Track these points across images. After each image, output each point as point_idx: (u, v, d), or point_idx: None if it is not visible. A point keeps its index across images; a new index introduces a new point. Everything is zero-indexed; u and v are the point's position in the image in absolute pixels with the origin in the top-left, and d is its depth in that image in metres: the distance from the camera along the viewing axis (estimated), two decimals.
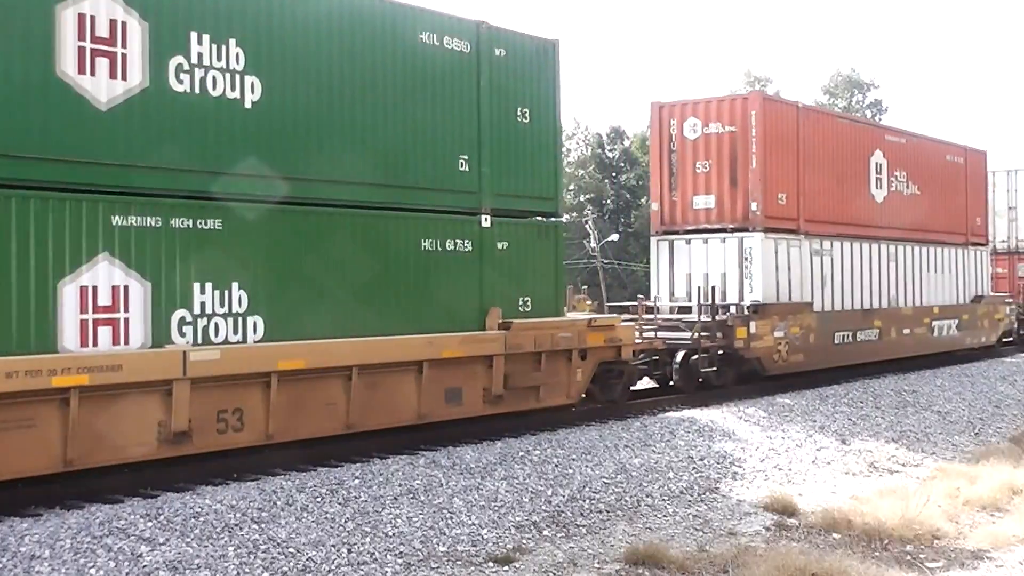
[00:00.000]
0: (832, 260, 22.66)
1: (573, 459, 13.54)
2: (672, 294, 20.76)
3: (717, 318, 19.74)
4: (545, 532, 10.83)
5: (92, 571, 8.60)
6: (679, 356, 19.23)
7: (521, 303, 15.32)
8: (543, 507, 11.53)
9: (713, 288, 19.98)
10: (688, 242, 21.27)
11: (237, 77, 11.92)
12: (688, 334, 19.34)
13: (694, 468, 13.92)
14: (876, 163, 24.63)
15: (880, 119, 67.18)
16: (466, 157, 14.62)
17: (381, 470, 12.19)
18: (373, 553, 9.61)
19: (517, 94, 15.35)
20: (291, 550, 9.43)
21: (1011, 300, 32.29)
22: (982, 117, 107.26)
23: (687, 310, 20.26)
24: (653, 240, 21.86)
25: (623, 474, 13.16)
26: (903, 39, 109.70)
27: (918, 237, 26.25)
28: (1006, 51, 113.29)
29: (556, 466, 13.13)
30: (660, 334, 19.48)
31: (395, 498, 11.20)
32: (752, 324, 19.92)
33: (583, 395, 16.62)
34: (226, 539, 9.53)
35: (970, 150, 29.81)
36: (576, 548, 10.34)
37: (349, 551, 9.57)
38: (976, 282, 29.54)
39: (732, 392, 19.76)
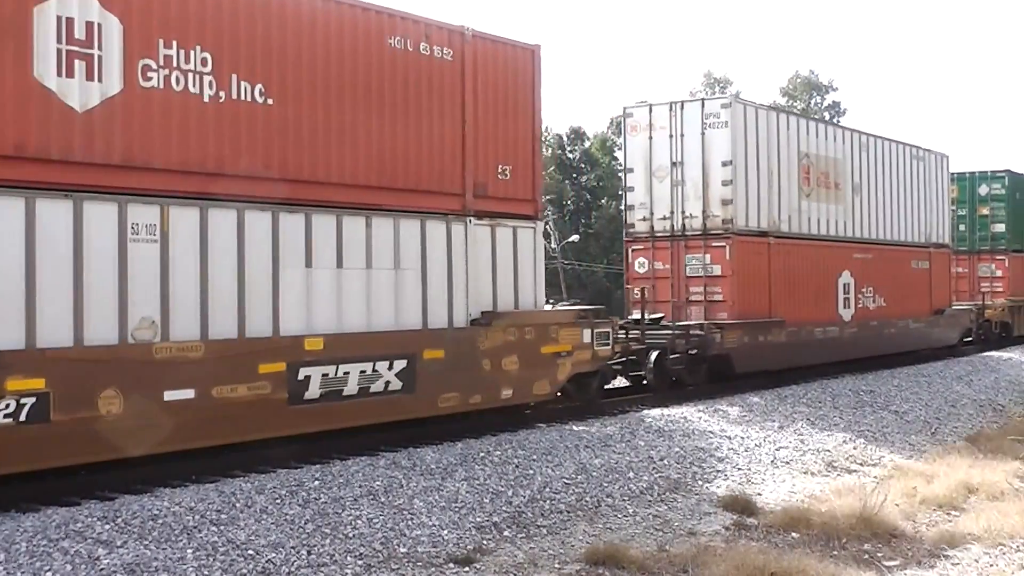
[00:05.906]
0: None
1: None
2: None
3: None
4: (506, 533, 10.83)
5: (48, 575, 8.50)
6: None
7: None
8: (504, 508, 11.53)
9: None
10: None
11: None
12: None
13: None
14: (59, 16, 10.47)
15: (838, 121, 66.65)
16: None
17: (341, 471, 12.14)
18: (333, 555, 9.57)
19: None
20: (250, 552, 9.37)
21: (605, 316, 17.93)
22: (944, 120, 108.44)
23: None
24: None
25: None
26: (862, 41, 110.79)
27: (268, 194, 12.45)
28: (968, 54, 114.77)
29: (516, 467, 13.13)
30: None
31: (355, 499, 11.16)
32: None
33: None
34: (184, 541, 9.46)
35: (477, 37, 15.34)
36: (536, 548, 10.36)
37: (309, 553, 9.53)
38: (494, 285, 15.63)
39: None
